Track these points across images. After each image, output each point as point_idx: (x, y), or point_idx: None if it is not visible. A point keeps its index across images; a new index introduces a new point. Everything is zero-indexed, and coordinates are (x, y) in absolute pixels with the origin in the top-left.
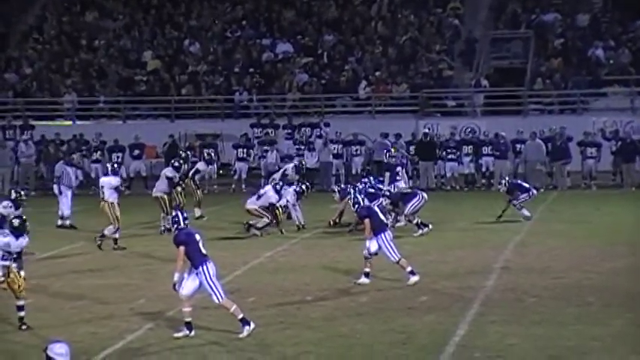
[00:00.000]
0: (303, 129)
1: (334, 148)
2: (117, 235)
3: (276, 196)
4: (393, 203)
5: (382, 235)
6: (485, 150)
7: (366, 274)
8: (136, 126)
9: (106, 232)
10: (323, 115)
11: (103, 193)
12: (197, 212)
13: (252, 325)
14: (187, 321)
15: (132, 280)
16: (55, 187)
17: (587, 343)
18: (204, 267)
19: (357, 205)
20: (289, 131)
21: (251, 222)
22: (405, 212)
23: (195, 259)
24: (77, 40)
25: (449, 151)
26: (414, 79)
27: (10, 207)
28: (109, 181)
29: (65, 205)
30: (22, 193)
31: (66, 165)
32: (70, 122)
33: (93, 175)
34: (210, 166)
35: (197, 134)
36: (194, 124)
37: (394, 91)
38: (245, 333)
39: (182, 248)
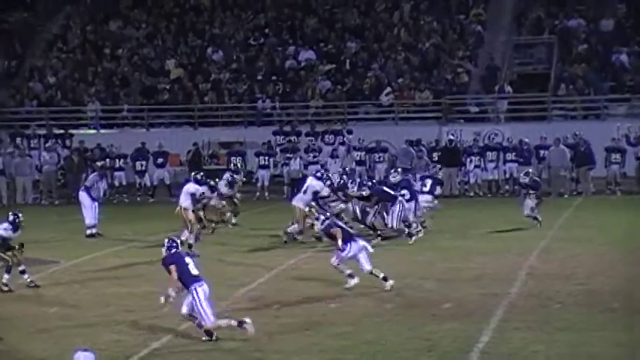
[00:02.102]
0: (322, 136)
1: (357, 155)
2: (191, 241)
3: (320, 184)
4: (368, 197)
5: (351, 243)
6: (509, 156)
7: (351, 275)
8: (159, 134)
9: (182, 237)
10: (346, 122)
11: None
12: (232, 220)
13: (249, 321)
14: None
15: (156, 287)
16: (84, 195)
17: (612, 350)
18: (195, 289)
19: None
20: (311, 138)
21: (288, 230)
22: (391, 224)
23: (186, 281)
24: (101, 49)
25: (472, 157)
26: (436, 85)
27: (10, 229)
28: (187, 188)
29: (90, 214)
30: (20, 215)
31: (99, 177)
32: (93, 130)
33: (117, 182)
34: (237, 176)
35: (220, 142)
36: (217, 131)
37: (417, 97)
38: (249, 330)
39: (173, 267)
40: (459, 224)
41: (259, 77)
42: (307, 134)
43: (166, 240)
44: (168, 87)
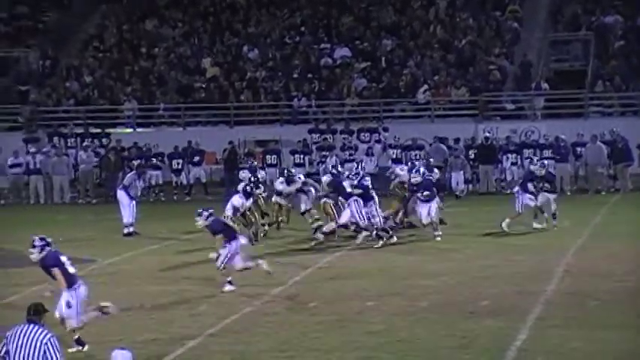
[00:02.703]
0: (358, 134)
1: (393, 153)
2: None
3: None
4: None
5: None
6: (546, 153)
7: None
8: (195, 133)
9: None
10: (382, 119)
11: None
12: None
13: (86, 347)
14: None
15: (191, 286)
16: (122, 193)
17: None
18: (77, 289)
19: None
20: (346, 136)
21: (322, 227)
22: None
23: (67, 281)
24: (137, 48)
25: (509, 154)
26: (473, 82)
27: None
28: (233, 200)
29: (128, 213)
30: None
31: (137, 176)
32: (130, 129)
33: (153, 181)
34: (257, 190)
35: (256, 140)
36: (253, 130)
37: (453, 94)
38: (74, 350)
39: (56, 269)
40: (496, 222)
41: (295, 75)
42: (342, 132)
43: (37, 239)
44: (204, 85)
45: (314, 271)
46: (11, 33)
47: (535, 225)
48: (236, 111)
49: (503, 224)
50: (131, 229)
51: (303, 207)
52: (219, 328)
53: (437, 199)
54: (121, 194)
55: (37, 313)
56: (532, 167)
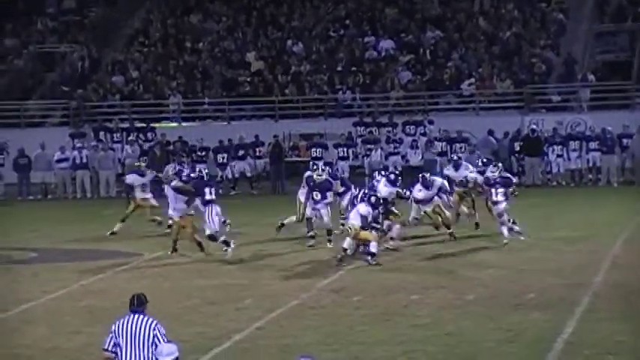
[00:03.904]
0: (403, 127)
1: (438, 146)
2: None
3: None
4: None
5: None
6: (592, 145)
7: None
8: (240, 127)
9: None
10: (427, 112)
11: None
12: None
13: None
14: None
15: (237, 280)
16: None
17: None
18: None
19: None
20: (390, 129)
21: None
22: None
23: None
24: (182, 43)
25: (555, 146)
26: (518, 74)
27: None
28: None
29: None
30: None
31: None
32: (175, 124)
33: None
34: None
35: (301, 134)
36: (298, 123)
37: (498, 87)
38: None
39: None
40: (542, 214)
41: (339, 69)
42: (387, 125)
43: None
44: (248, 79)
45: (360, 264)
46: (58, 28)
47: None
48: (280, 105)
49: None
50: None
51: None
52: (266, 321)
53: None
54: (167, 189)
55: (140, 304)
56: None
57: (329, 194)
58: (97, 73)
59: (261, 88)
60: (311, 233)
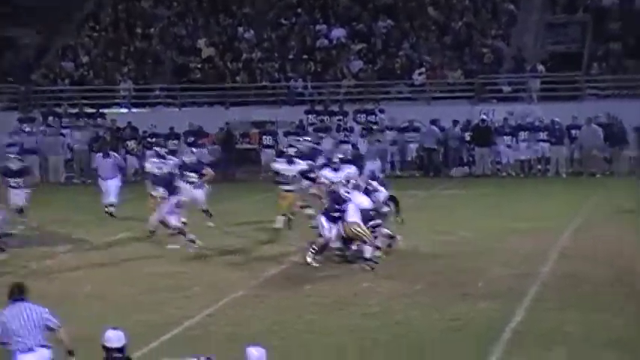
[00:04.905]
0: (354, 116)
1: (389, 135)
2: None
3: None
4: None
5: None
6: (541, 136)
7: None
8: (191, 113)
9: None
10: (378, 101)
11: None
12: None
13: None
14: None
15: (186, 268)
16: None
17: None
18: None
19: None
20: (340, 117)
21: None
22: None
23: None
24: (132, 28)
25: (505, 137)
26: (469, 64)
27: None
28: None
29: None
30: None
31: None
32: (125, 110)
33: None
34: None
35: (252, 121)
36: (249, 111)
37: (449, 77)
38: None
39: None
40: (491, 204)
41: (291, 56)
42: (338, 113)
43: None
44: (199, 66)
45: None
46: (8, 13)
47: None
48: (232, 92)
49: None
50: (112, 210)
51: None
52: (214, 309)
53: None
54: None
55: (22, 292)
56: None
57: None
58: (47, 58)
59: (213, 74)
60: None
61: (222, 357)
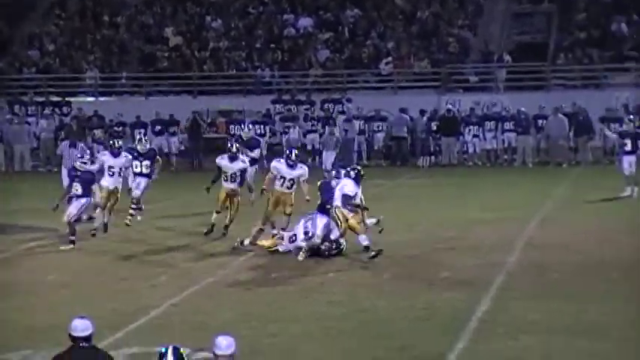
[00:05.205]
0: (322, 105)
1: (356, 124)
2: None
3: None
4: None
5: None
6: (508, 126)
7: None
8: (158, 102)
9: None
10: (345, 91)
11: None
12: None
13: None
14: None
15: (152, 257)
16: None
17: (611, 319)
18: None
19: None
20: (307, 106)
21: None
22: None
23: None
24: (99, 16)
25: (471, 127)
26: (435, 54)
27: None
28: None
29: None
30: None
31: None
32: (92, 98)
33: None
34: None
35: (219, 110)
36: (216, 100)
37: (416, 66)
38: None
39: None
40: (457, 194)
41: (258, 45)
42: (305, 102)
43: None
44: (166, 55)
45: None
46: None
47: None
48: (199, 81)
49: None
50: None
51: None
52: (181, 298)
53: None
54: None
55: None
56: None
57: None
58: (13, 46)
59: (180, 63)
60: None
61: (190, 345)
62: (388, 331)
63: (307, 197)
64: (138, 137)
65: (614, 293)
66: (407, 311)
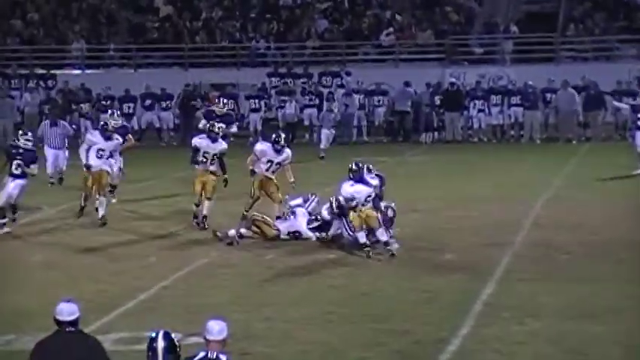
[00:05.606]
0: (319, 78)
1: (356, 98)
2: None
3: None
4: None
5: None
6: (514, 100)
7: None
8: (147, 75)
9: None
10: (344, 63)
11: None
12: None
13: None
14: None
15: (142, 236)
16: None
17: (621, 301)
18: None
19: None
20: (305, 80)
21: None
22: None
23: None
24: None
25: (476, 101)
26: (439, 25)
27: None
28: None
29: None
30: None
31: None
32: (78, 71)
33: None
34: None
35: (212, 84)
36: (209, 73)
37: (419, 37)
38: None
39: None
40: (462, 171)
41: (253, 15)
42: (302, 76)
43: None
44: (157, 25)
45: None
46: None
47: None
48: (191, 52)
49: None
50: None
51: None
52: (173, 279)
53: None
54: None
55: None
56: None
57: None
58: None
59: (170, 34)
60: None
61: (181, 330)
62: (389, 315)
63: (291, 179)
64: (110, 112)
65: (624, 274)
66: (409, 294)
